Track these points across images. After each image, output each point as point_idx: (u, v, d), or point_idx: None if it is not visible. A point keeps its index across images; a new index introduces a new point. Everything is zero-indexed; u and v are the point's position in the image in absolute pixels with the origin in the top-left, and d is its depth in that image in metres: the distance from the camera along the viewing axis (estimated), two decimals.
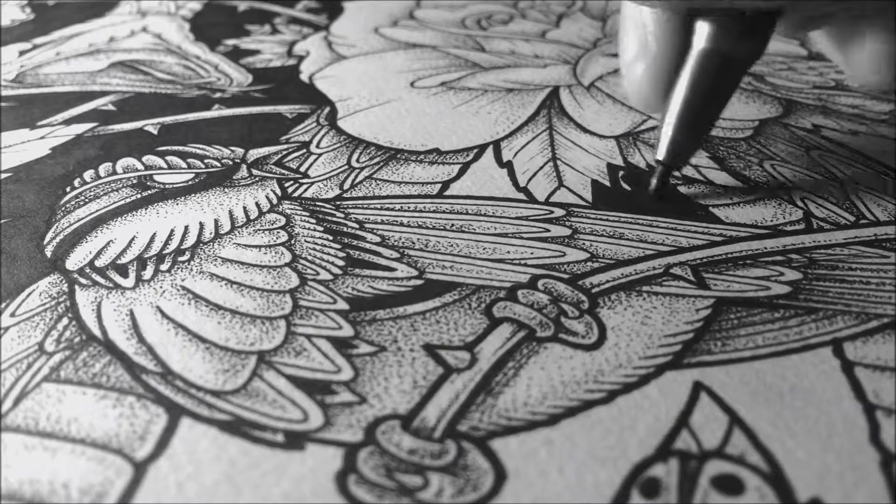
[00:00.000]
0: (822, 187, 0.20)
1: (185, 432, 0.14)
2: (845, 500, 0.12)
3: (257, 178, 0.22)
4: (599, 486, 0.13)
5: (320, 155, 0.23)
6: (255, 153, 0.23)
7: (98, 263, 0.18)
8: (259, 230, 0.19)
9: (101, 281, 0.18)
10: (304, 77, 0.29)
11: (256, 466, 0.13)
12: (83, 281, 0.18)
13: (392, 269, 0.18)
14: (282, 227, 0.19)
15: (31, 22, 0.36)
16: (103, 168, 0.22)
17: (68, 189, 0.21)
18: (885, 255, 0.18)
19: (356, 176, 0.22)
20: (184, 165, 0.23)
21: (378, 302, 0.17)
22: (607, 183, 0.21)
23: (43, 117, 0.26)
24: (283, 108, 0.26)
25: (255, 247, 0.19)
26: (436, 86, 0.28)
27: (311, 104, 0.27)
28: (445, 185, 0.21)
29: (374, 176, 0.22)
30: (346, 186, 0.21)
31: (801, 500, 0.12)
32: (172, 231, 0.19)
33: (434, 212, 0.20)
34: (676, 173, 0.21)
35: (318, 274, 0.18)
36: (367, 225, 0.19)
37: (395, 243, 0.19)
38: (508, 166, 0.22)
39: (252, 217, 0.20)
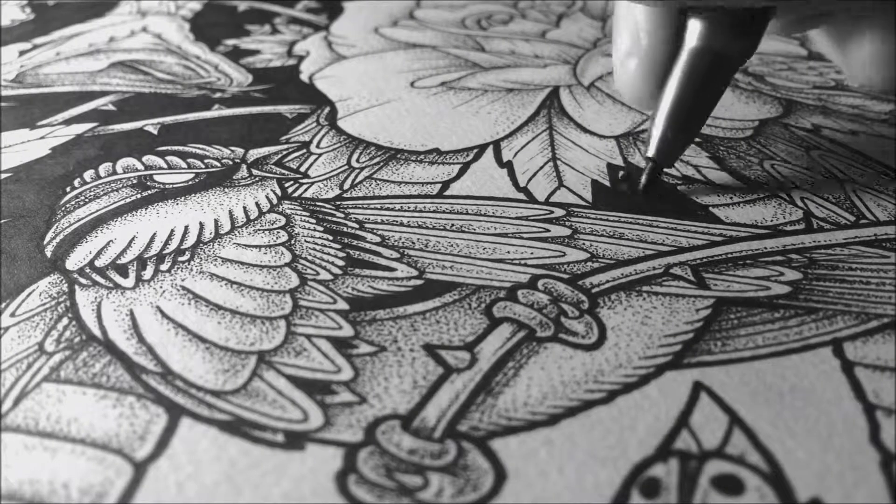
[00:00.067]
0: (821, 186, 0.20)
1: (185, 432, 0.14)
2: (845, 500, 0.12)
3: (257, 178, 0.22)
4: (599, 486, 0.13)
5: (320, 155, 0.23)
6: (255, 153, 0.23)
7: (98, 263, 0.18)
8: (259, 230, 0.19)
9: (101, 281, 0.18)
10: (304, 77, 0.29)
11: (256, 466, 0.13)
12: (83, 281, 0.18)
13: (392, 269, 0.18)
14: (282, 227, 0.19)
15: (31, 22, 0.36)
16: (103, 168, 0.22)
17: (68, 189, 0.21)
18: (885, 255, 0.18)
19: (356, 176, 0.22)
20: (184, 165, 0.23)
21: (378, 302, 0.17)
22: (607, 183, 0.21)
23: (43, 117, 0.26)
24: (283, 108, 0.26)
25: (255, 247, 0.19)
26: (436, 86, 0.28)
27: (311, 104, 0.27)
28: (445, 185, 0.21)
29: (374, 176, 0.22)
30: (346, 186, 0.21)
31: (801, 500, 0.12)
32: (172, 231, 0.19)
33: (434, 212, 0.20)
34: (673, 172, 0.21)
35: (318, 274, 0.18)
36: (367, 225, 0.19)
37: (395, 243, 0.19)
38: (508, 166, 0.22)
39: (252, 217, 0.20)
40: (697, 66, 0.19)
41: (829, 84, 0.27)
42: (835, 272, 0.17)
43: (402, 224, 0.19)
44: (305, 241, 0.19)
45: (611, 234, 0.19)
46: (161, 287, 0.17)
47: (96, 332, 0.16)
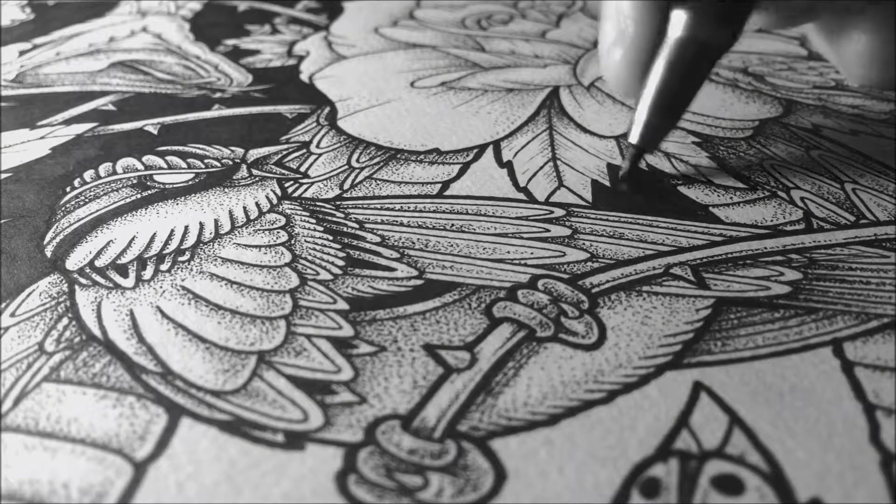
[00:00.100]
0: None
1: (185, 432, 0.14)
2: (845, 500, 0.12)
3: (257, 178, 0.22)
4: (599, 486, 0.13)
5: (320, 155, 0.23)
6: (255, 153, 0.23)
7: (98, 263, 0.18)
8: (259, 230, 0.19)
9: (101, 281, 0.18)
10: (304, 77, 0.29)
11: (256, 466, 0.13)
12: (83, 281, 0.18)
13: (392, 269, 0.18)
14: (282, 227, 0.19)
15: (31, 22, 0.36)
16: (103, 168, 0.22)
17: (68, 189, 0.21)
18: (885, 255, 0.18)
19: (356, 176, 0.22)
20: (184, 165, 0.23)
21: (378, 302, 0.17)
22: (607, 183, 0.21)
23: (43, 117, 0.26)
24: (283, 108, 0.26)
25: (255, 247, 0.19)
26: (436, 86, 0.28)
27: (311, 104, 0.27)
28: (445, 185, 0.21)
29: (374, 176, 0.22)
30: (346, 186, 0.21)
31: (801, 500, 0.12)
32: (172, 231, 0.19)
33: (434, 212, 0.20)
34: (673, 172, 0.21)
35: (318, 274, 0.18)
36: (367, 225, 0.19)
37: (395, 243, 0.19)
38: (508, 166, 0.22)
39: (252, 217, 0.20)
40: (681, 55, 0.19)
41: (829, 84, 0.27)
42: (835, 272, 0.17)
43: (402, 224, 0.19)
44: (305, 241, 0.19)
45: (611, 234, 0.19)
46: (161, 287, 0.17)
47: (96, 332, 0.16)
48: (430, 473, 0.13)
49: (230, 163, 0.23)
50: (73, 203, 0.21)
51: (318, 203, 0.20)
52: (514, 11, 0.36)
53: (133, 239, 0.19)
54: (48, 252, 0.19)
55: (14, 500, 0.13)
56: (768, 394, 0.14)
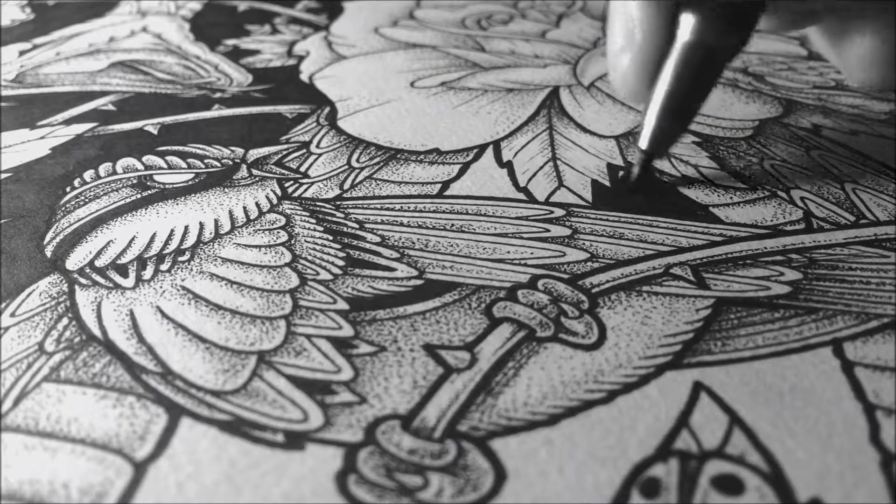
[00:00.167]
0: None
1: (185, 432, 0.14)
2: (845, 500, 0.12)
3: (257, 178, 0.22)
4: (599, 486, 0.13)
5: (320, 155, 0.23)
6: (255, 153, 0.23)
7: (98, 263, 0.18)
8: (259, 230, 0.19)
9: (101, 281, 0.18)
10: (304, 77, 0.29)
11: (256, 466, 0.13)
12: (83, 281, 0.18)
13: (392, 269, 0.18)
14: (282, 227, 0.19)
15: (31, 22, 0.36)
16: (103, 168, 0.22)
17: (68, 189, 0.21)
18: (885, 255, 0.18)
19: (356, 176, 0.22)
20: (184, 165, 0.23)
21: (378, 302, 0.17)
22: (607, 183, 0.21)
23: (43, 117, 0.26)
24: (283, 108, 0.26)
25: (255, 247, 0.19)
26: (436, 86, 0.28)
27: (311, 104, 0.27)
28: (445, 185, 0.21)
29: (374, 176, 0.22)
30: (346, 186, 0.21)
31: (801, 500, 0.12)
32: (172, 231, 0.19)
33: (434, 212, 0.20)
34: (674, 172, 0.21)
35: (318, 274, 0.18)
36: (367, 225, 0.19)
37: (395, 243, 0.19)
38: (508, 166, 0.22)
39: (252, 217, 0.20)
40: (690, 59, 0.19)
41: (829, 84, 0.27)
42: (835, 272, 0.17)
43: (402, 224, 0.19)
44: (305, 241, 0.19)
45: (611, 234, 0.19)
46: (161, 287, 0.17)
47: (96, 332, 0.16)
48: (430, 473, 0.13)
49: (230, 163, 0.23)
50: (73, 203, 0.21)
51: (318, 203, 0.20)
52: (514, 11, 0.36)
53: (133, 239, 0.19)
54: (48, 252, 0.19)
55: (14, 500, 0.13)
56: (768, 394, 0.14)
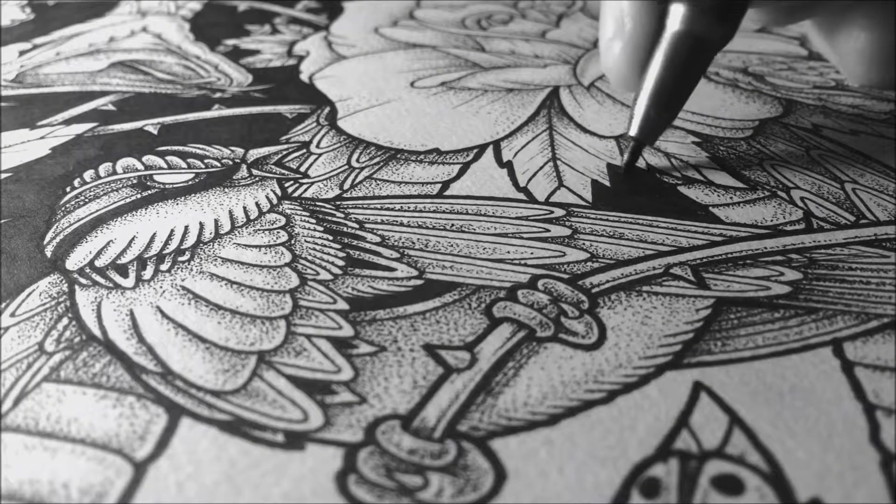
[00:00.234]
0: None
1: (185, 432, 0.14)
2: (845, 500, 0.12)
3: (257, 178, 0.22)
4: (599, 486, 0.13)
5: (320, 155, 0.23)
6: (255, 153, 0.23)
7: (98, 263, 0.18)
8: (259, 230, 0.19)
9: (101, 281, 0.18)
10: (304, 77, 0.29)
11: (256, 466, 0.13)
12: (83, 281, 0.18)
13: (392, 269, 0.18)
14: (282, 227, 0.19)
15: (31, 22, 0.36)
16: (103, 168, 0.22)
17: (68, 189, 0.21)
18: (885, 255, 0.18)
19: (356, 176, 0.22)
20: (184, 165, 0.23)
21: (378, 302, 0.17)
22: (607, 183, 0.21)
23: (43, 117, 0.26)
24: (283, 108, 0.26)
25: (255, 247, 0.19)
26: (436, 86, 0.28)
27: (311, 104, 0.27)
28: (445, 185, 0.21)
29: (374, 176, 0.22)
30: (346, 186, 0.21)
31: (801, 500, 0.12)
32: (172, 231, 0.19)
33: (434, 212, 0.20)
34: (673, 172, 0.21)
35: (318, 274, 0.18)
36: (367, 225, 0.19)
37: (395, 243, 0.19)
38: (508, 166, 0.22)
39: (252, 217, 0.20)
40: (679, 49, 0.19)
41: (829, 84, 0.27)
42: (835, 272, 0.17)
43: (402, 224, 0.19)
44: (305, 241, 0.19)
45: (611, 234, 0.19)
46: (161, 287, 0.17)
47: (96, 332, 0.16)
48: (430, 473, 0.13)
49: (230, 163, 0.23)
50: (73, 203, 0.21)
51: (318, 203, 0.20)
52: (514, 11, 0.36)
53: (133, 239, 0.19)
54: (48, 252, 0.19)
55: (14, 500, 0.13)
56: (768, 394, 0.14)
